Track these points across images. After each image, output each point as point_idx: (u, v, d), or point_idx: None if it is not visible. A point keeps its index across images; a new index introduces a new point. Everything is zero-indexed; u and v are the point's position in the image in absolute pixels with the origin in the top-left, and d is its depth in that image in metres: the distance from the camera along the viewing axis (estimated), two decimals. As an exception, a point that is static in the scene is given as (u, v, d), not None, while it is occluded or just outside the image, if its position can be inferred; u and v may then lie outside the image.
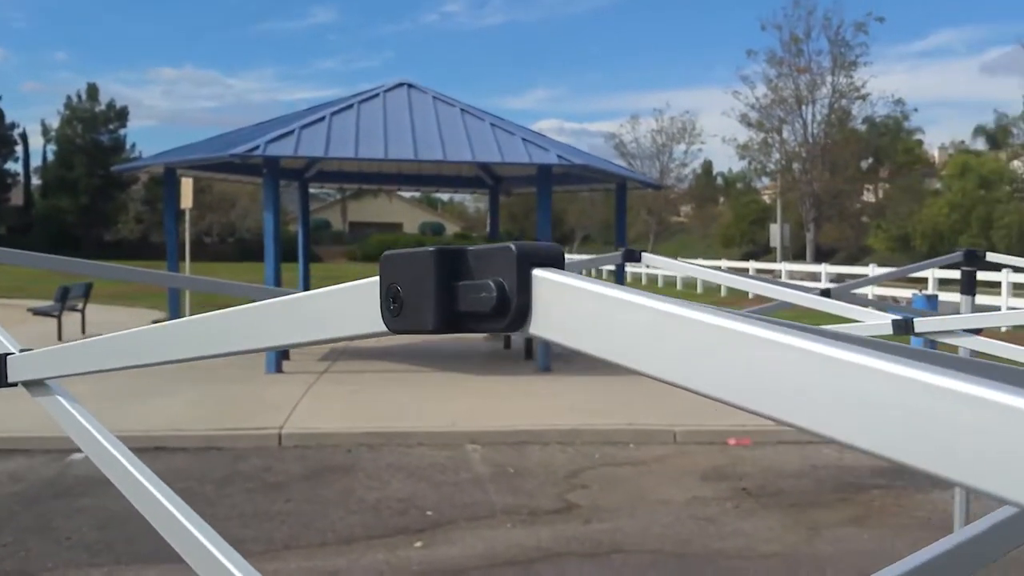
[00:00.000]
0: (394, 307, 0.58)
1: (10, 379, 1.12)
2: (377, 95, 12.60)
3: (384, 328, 0.60)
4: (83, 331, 15.11)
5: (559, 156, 11.25)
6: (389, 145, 11.01)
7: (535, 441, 8.27)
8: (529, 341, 13.09)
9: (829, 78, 42.87)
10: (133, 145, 60.63)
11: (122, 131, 60.50)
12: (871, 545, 5.51)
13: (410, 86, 13.05)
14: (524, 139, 11.61)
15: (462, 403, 9.60)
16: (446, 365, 12.65)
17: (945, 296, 11.53)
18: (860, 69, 43.22)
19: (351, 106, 12.13)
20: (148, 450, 7.78)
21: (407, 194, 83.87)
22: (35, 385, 1.11)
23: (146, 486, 0.98)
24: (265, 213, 11.33)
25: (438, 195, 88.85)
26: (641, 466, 7.55)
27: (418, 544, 5.65)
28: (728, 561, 5.27)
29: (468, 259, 0.56)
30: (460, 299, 0.55)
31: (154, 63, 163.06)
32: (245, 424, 8.57)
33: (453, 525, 6.00)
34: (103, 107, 59.71)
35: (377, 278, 0.61)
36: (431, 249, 0.56)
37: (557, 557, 5.38)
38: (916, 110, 62.57)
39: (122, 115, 60.50)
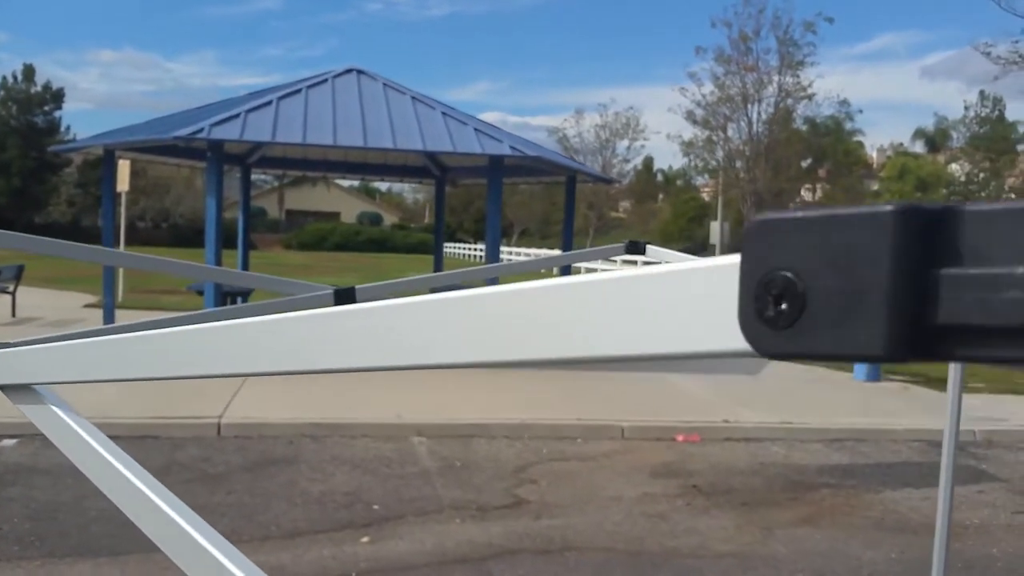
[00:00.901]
0: (778, 312, 0.35)
1: None
2: (326, 80, 12.34)
3: (746, 346, 0.36)
4: (13, 314, 14.63)
5: (512, 147, 11.12)
6: (338, 132, 10.78)
7: (482, 434, 8.15)
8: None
9: (776, 77, 43.24)
10: (68, 128, 59.31)
11: (57, 113, 59.18)
12: (824, 546, 5.49)
13: (360, 72, 12.80)
14: (476, 129, 11.47)
15: (407, 394, 9.43)
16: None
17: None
18: (807, 69, 43.64)
19: (299, 91, 11.86)
20: (82, 439, 7.50)
21: (345, 183, 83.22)
22: (18, 390, 0.94)
23: (177, 522, 0.83)
24: (207, 198, 11.03)
25: (376, 185, 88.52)
26: (590, 461, 7.47)
27: (365, 539, 5.49)
28: (683, 560, 5.20)
29: (966, 226, 0.32)
30: (944, 301, 0.32)
31: (93, 45, 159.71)
32: (182, 412, 8.31)
33: (401, 520, 5.85)
34: (39, 88, 58.33)
35: (736, 258, 0.37)
36: (889, 208, 0.33)
37: (509, 555, 5.27)
38: (861, 111, 63.43)
39: (58, 97, 59.15)
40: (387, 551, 5.32)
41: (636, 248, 2.43)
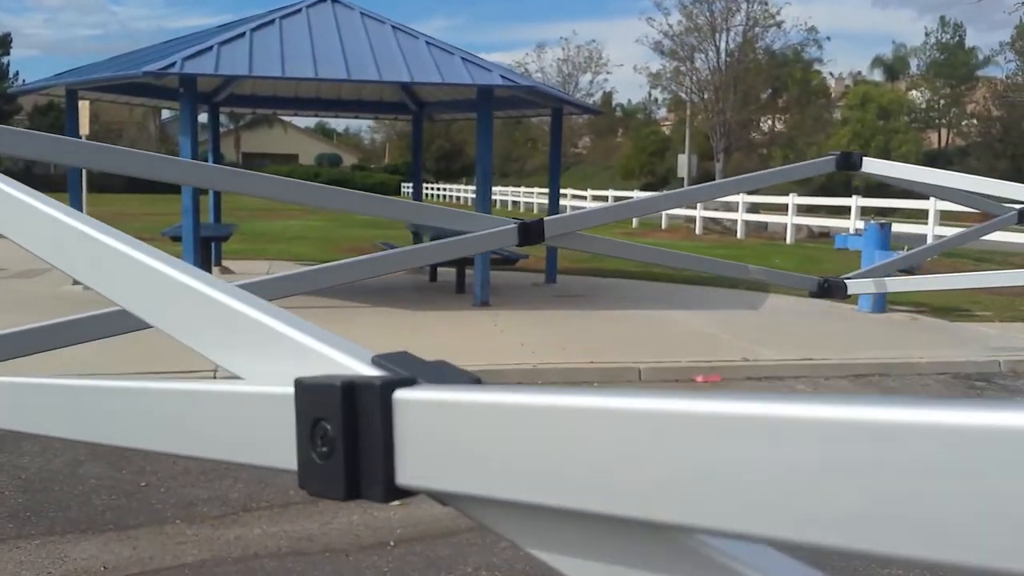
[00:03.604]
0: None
1: (401, 479, 0.48)
2: (300, 10, 11.65)
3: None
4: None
5: (503, 77, 10.56)
6: (319, 64, 10.14)
7: (493, 382, 7.73)
8: (460, 273, 12.49)
9: (744, 5, 42.72)
10: (16, 73, 57.65)
11: (5, 59, 57.49)
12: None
13: (335, 1, 12.11)
14: (463, 59, 10.87)
15: (406, 341, 8.97)
16: (376, 300, 11.99)
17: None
18: (775, -4, 43.15)
19: (272, 22, 11.16)
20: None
21: (302, 124, 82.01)
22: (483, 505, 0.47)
23: None
24: (181, 137, 10.38)
25: (332, 125, 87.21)
26: (612, 407, 7.09)
27: (396, 503, 5.07)
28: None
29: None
30: None
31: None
32: (177, 367, 7.76)
33: (430, 479, 5.44)
34: (-15, 34, 56.58)
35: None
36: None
37: (556, 514, 4.88)
38: (829, 39, 62.87)
39: (4, 42, 57.50)
40: (422, 515, 4.92)
41: (849, 162, 2.00)
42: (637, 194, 33.43)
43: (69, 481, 5.46)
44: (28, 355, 1.10)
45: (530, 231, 1.63)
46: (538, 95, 11.86)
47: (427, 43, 11.25)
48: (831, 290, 2.17)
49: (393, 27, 11.61)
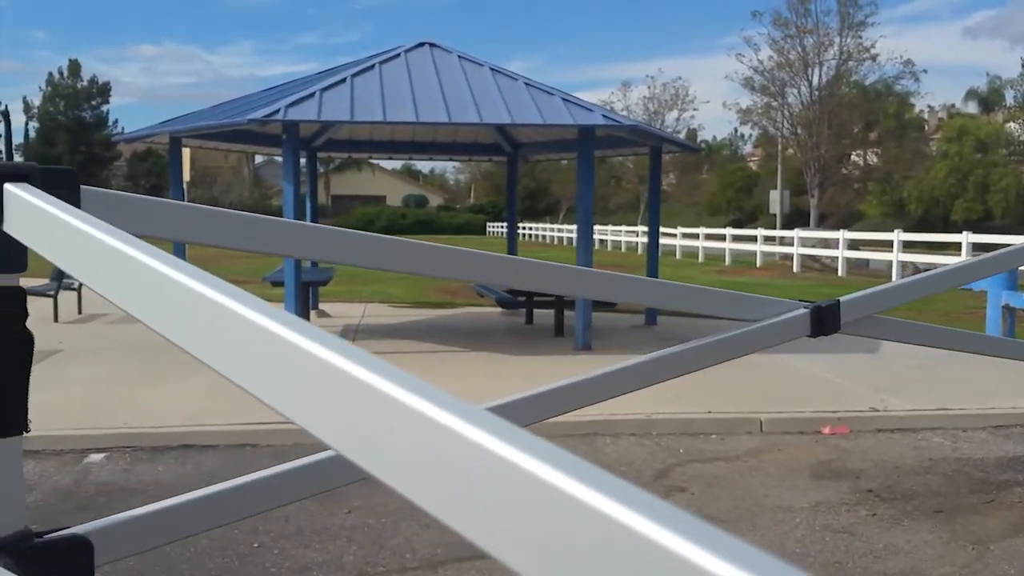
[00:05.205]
0: None
1: None
2: (398, 55, 11.64)
3: None
4: (79, 311, 14.15)
5: (604, 116, 10.34)
6: (419, 108, 10.06)
7: (605, 432, 7.42)
8: (559, 315, 12.24)
9: (837, 39, 41.88)
10: (115, 121, 59.72)
11: (104, 107, 59.72)
12: (1061, 563, 4.69)
13: (432, 45, 12.09)
14: (564, 99, 10.69)
15: (509, 387, 8.57)
16: (472, 343, 11.78)
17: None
18: (868, 29, 42.24)
19: (372, 67, 11.15)
20: (172, 448, 6.90)
21: (388, 166, 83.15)
22: None
23: None
24: (284, 183, 10.38)
25: (418, 167, 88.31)
26: (736, 462, 6.71)
27: (518, 568, 4.78)
28: (903, 588, 4.41)
29: None
30: None
31: (133, 40, 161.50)
32: (279, 416, 7.63)
33: (552, 543, 5.14)
34: (85, 83, 58.88)
35: None
36: None
37: (694, 585, 4.53)
38: (926, 71, 61.01)
39: (104, 91, 59.72)
40: None
41: None
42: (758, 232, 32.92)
43: (181, 542, 5.27)
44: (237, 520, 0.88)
45: (825, 318, 1.35)
46: (639, 134, 11.60)
47: (526, 84, 11.10)
48: None
49: (491, 69, 11.50)
